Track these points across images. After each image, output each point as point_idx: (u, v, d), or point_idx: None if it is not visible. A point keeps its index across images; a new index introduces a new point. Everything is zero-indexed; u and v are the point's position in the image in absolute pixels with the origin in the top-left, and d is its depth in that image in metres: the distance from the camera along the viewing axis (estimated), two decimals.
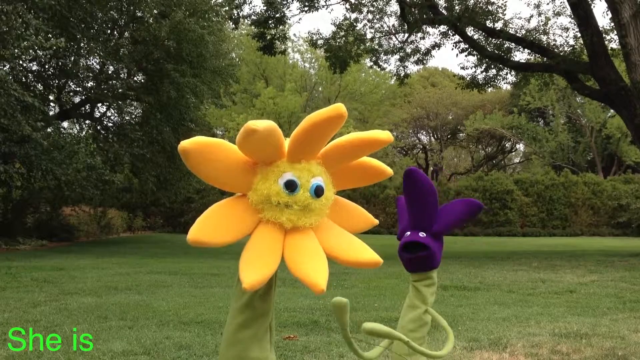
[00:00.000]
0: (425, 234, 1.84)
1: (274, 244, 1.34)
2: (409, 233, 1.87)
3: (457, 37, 15.34)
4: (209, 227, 1.34)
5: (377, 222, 1.58)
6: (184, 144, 1.30)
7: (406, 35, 15.64)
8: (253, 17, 14.83)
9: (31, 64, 15.20)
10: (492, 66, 15.77)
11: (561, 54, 14.37)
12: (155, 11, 15.43)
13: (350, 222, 1.51)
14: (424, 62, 16.48)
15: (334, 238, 1.40)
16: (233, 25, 17.12)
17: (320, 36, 15.75)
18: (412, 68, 32.26)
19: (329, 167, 1.40)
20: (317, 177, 1.36)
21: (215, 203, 1.39)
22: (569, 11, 14.25)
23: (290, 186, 1.33)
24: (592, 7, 13.08)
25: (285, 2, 14.37)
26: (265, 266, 1.30)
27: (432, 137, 40.38)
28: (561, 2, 15.66)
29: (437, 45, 15.83)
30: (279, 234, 1.35)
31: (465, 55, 15.92)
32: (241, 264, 1.30)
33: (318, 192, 1.34)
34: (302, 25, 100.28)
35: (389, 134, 1.39)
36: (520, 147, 40.00)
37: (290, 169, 1.35)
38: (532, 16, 30.20)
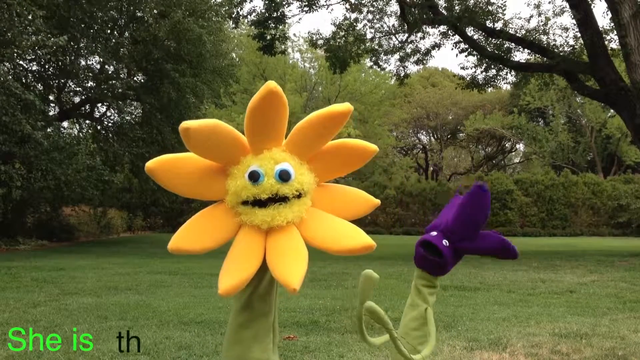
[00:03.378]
0: (448, 243, 1.82)
1: (252, 248, 1.33)
2: (435, 233, 1.85)
3: (457, 37, 15.34)
4: (189, 234, 1.37)
5: (378, 202, 1.53)
6: (149, 164, 1.34)
7: (406, 35, 15.63)
8: (253, 17, 14.82)
9: (31, 64, 15.21)
10: (492, 66, 15.76)
11: (561, 54, 14.36)
12: (155, 11, 15.44)
13: (347, 208, 1.47)
14: (424, 62, 16.48)
15: (321, 229, 1.37)
16: (233, 25, 17.11)
17: (320, 36, 15.75)
18: (412, 68, 32.26)
19: (301, 153, 1.39)
20: (281, 163, 1.35)
21: (198, 212, 1.42)
22: (569, 11, 14.25)
23: (253, 176, 1.33)
24: (592, 7, 13.08)
25: (285, 2, 14.37)
26: (240, 271, 1.30)
27: (432, 137, 40.37)
28: (561, 2, 15.68)
29: (437, 46, 15.82)
30: (259, 236, 1.35)
31: (465, 56, 15.92)
32: (221, 270, 1.32)
33: (283, 175, 1.34)
34: (302, 25, 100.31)
35: (347, 105, 1.36)
36: (520, 147, 40.01)
37: (256, 161, 1.35)
38: (532, 16, 30.17)
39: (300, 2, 14.54)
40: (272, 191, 1.33)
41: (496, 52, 14.86)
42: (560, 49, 14.97)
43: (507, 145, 39.71)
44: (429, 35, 16.70)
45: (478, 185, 1.76)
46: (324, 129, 1.38)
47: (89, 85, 16.42)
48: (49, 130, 13.03)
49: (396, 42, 15.98)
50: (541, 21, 16.11)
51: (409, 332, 1.83)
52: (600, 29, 12.91)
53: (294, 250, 1.32)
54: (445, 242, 1.82)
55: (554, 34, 18.37)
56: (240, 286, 1.29)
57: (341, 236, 1.35)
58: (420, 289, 1.88)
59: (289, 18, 14.89)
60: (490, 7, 14.39)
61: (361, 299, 1.42)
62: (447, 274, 1.91)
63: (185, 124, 1.25)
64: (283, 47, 17.14)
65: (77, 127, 18.73)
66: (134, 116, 17.99)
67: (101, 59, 15.42)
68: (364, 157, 1.48)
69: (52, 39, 11.18)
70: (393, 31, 15.76)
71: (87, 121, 18.17)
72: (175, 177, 1.38)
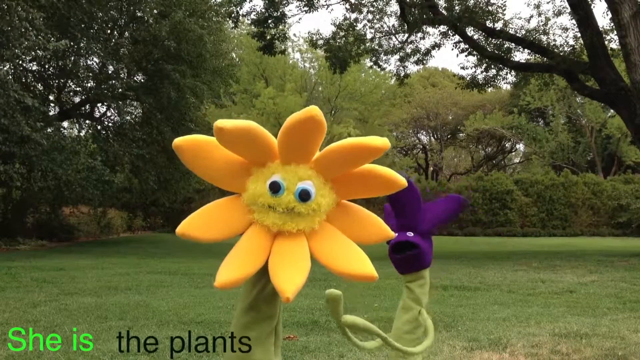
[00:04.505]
0: (412, 234, 1.83)
1: (257, 247, 1.33)
2: (396, 235, 1.85)
3: (457, 37, 15.34)
4: (199, 222, 1.36)
5: (393, 234, 1.51)
6: (178, 141, 1.32)
7: (406, 35, 15.63)
8: (253, 16, 14.83)
9: (31, 64, 15.21)
10: (492, 66, 15.76)
11: (561, 54, 14.36)
12: (155, 11, 15.44)
13: (361, 232, 1.45)
14: (424, 62, 16.48)
15: (330, 247, 1.36)
16: (232, 24, 17.11)
17: (320, 36, 15.76)
18: (412, 68, 32.27)
19: (326, 174, 1.38)
20: (305, 182, 1.34)
21: (213, 201, 1.41)
22: (569, 11, 14.25)
23: (274, 187, 1.32)
24: (592, 7, 13.08)
25: (284, 2, 14.37)
26: (241, 268, 1.29)
27: (432, 137, 40.37)
28: (561, 2, 15.69)
29: (437, 46, 15.82)
30: (267, 237, 1.34)
31: (466, 56, 15.92)
32: (222, 262, 1.31)
33: (303, 196, 1.32)
34: (302, 25, 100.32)
35: (385, 140, 1.34)
36: (520, 147, 40.01)
37: (281, 171, 1.34)
38: (532, 16, 30.17)
39: (299, 2, 14.54)
40: (288, 207, 1.32)
41: (496, 52, 14.86)
42: (560, 49, 14.97)
43: (507, 145, 39.72)
44: (429, 35, 16.71)
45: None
46: (356, 158, 1.36)
47: (89, 85, 16.42)
48: (49, 130, 13.03)
49: (396, 42, 15.99)
50: (541, 21, 16.15)
51: (402, 336, 1.83)
52: (600, 29, 12.90)
53: (297, 259, 1.31)
54: (409, 233, 1.83)
55: (554, 34, 18.35)
56: (238, 282, 1.29)
57: (348, 259, 1.34)
58: (414, 290, 1.88)
59: (289, 18, 14.90)
60: (490, 7, 14.40)
61: (335, 319, 1.42)
62: (430, 264, 1.92)
63: (219, 123, 1.24)
64: (283, 47, 17.14)
65: (77, 127, 18.73)
66: (134, 116, 17.99)
67: (101, 60, 15.42)
68: (390, 188, 1.44)
69: (52, 39, 11.18)
70: (393, 31, 15.76)
71: (87, 121, 18.17)
72: (199, 158, 1.36)
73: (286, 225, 1.33)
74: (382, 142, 1.34)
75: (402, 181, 1.42)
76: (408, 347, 1.64)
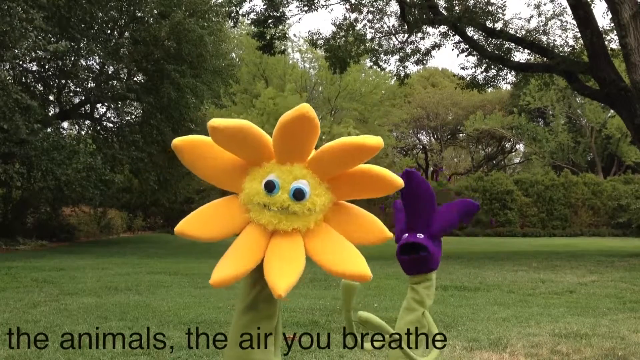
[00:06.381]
0: (423, 235, 1.82)
1: (253, 246, 1.34)
2: (406, 235, 1.85)
3: (457, 38, 15.33)
4: (197, 221, 1.38)
5: (391, 235, 1.51)
6: (177, 141, 1.34)
7: (406, 35, 15.62)
8: (252, 16, 14.82)
9: (31, 64, 15.21)
10: (492, 66, 15.75)
11: (561, 54, 14.35)
12: (155, 11, 15.44)
13: (359, 233, 1.45)
14: (424, 62, 16.47)
15: (325, 246, 1.37)
16: (232, 24, 17.10)
17: (320, 36, 15.74)
18: (412, 68, 32.22)
19: (322, 173, 1.38)
20: (299, 181, 1.34)
21: (212, 201, 1.42)
22: (568, 12, 14.25)
23: (268, 186, 1.33)
24: (592, 7, 13.07)
25: (284, 2, 14.36)
26: (235, 266, 1.31)
27: (432, 138, 40.36)
28: (560, 3, 15.70)
29: (437, 46, 15.81)
30: (263, 236, 1.35)
31: (466, 56, 15.91)
32: (219, 261, 1.32)
33: (297, 195, 1.33)
34: (302, 25, 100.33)
35: (379, 139, 1.34)
36: (520, 147, 39.99)
37: (276, 171, 1.35)
38: (532, 16, 30.16)
39: (299, 2, 14.53)
40: (282, 205, 1.33)
41: (496, 52, 14.85)
42: (560, 49, 14.97)
43: (507, 145, 39.70)
44: (429, 35, 16.68)
45: (406, 170, 1.80)
46: (350, 157, 1.36)
47: (88, 86, 16.42)
48: (48, 130, 13.02)
49: (396, 42, 15.98)
50: (541, 21, 16.11)
51: (404, 337, 1.83)
52: (600, 29, 12.89)
53: (291, 257, 1.32)
54: (419, 235, 1.82)
55: (553, 34, 18.35)
56: (232, 280, 1.30)
57: (342, 259, 1.35)
58: (419, 291, 1.88)
59: (289, 18, 14.89)
60: (490, 7, 14.38)
61: (345, 308, 1.42)
62: (438, 267, 1.91)
63: (213, 122, 1.26)
64: (283, 46, 17.12)
65: (77, 128, 18.72)
66: (133, 116, 17.98)
67: (101, 60, 15.42)
68: (387, 189, 1.43)
69: (53, 40, 11.19)
70: (393, 31, 15.75)
71: (87, 122, 18.16)
72: (199, 159, 1.38)
73: (281, 224, 1.34)
74: (376, 141, 1.34)
75: (399, 182, 1.42)
76: (419, 355, 1.63)
